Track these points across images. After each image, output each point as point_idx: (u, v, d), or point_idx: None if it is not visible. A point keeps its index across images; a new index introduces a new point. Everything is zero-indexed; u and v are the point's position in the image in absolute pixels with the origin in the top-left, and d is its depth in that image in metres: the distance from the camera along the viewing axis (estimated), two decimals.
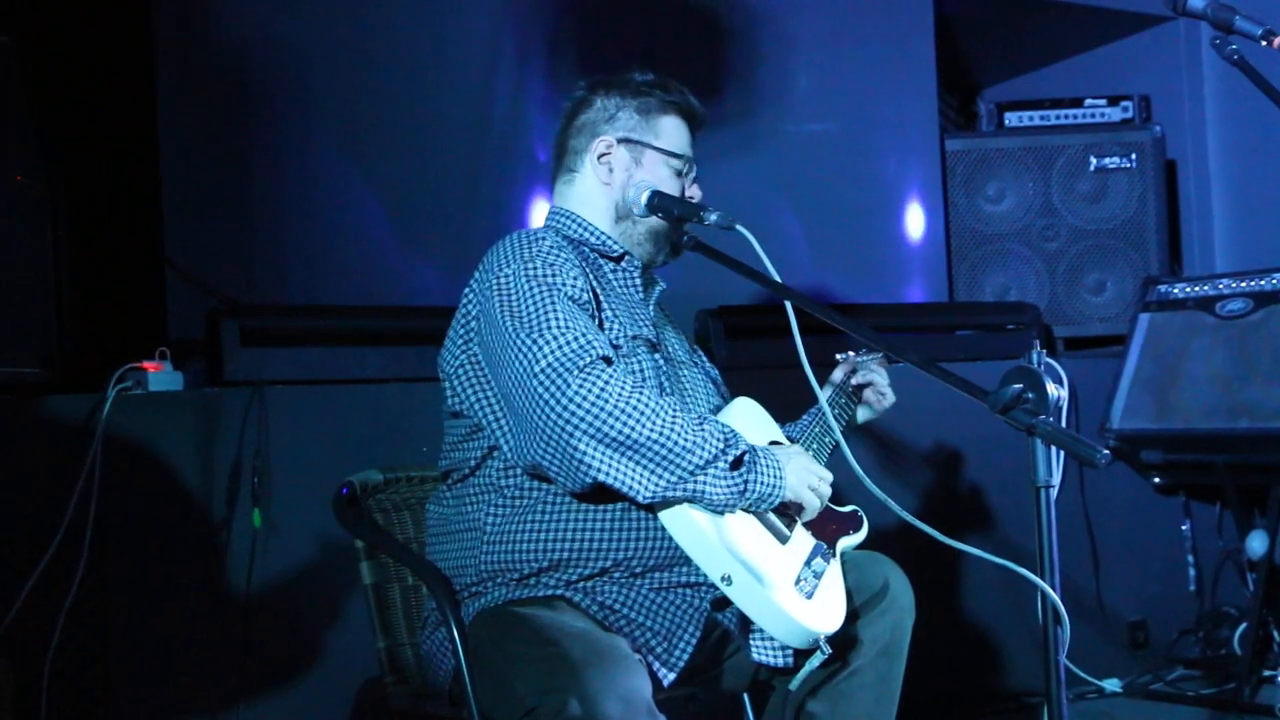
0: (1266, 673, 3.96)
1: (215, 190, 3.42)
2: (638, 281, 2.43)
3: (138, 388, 2.81)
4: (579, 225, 2.43)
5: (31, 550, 2.62)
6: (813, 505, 2.27)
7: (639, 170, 2.42)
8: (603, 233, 2.42)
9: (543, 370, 2.06)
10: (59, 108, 3.01)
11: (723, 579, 2.09)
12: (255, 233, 3.48)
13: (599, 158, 2.44)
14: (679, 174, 2.46)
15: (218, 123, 3.43)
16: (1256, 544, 3.98)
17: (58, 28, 3.23)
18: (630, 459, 2.06)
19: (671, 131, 2.47)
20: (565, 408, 2.04)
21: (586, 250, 2.39)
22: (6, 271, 2.71)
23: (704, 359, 2.62)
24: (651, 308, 2.46)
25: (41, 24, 3.17)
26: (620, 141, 2.44)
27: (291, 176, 3.53)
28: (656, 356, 2.35)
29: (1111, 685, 4.05)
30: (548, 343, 2.09)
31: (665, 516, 2.14)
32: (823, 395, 2.55)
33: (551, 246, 2.26)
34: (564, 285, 2.19)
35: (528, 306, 2.15)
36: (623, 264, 2.42)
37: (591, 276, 2.31)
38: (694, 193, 2.48)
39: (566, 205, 2.47)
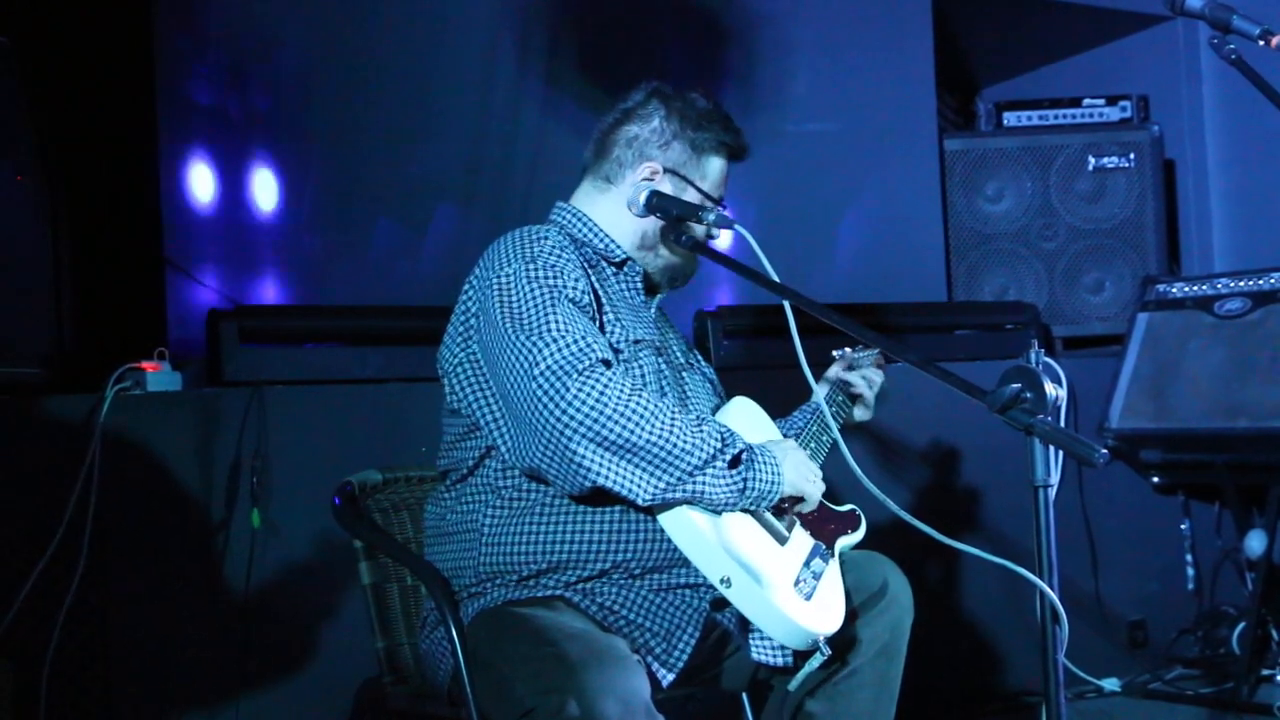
0: (1265, 672, 3.96)
1: (214, 190, 3.41)
2: (639, 285, 2.42)
3: (136, 388, 2.81)
4: (586, 227, 2.40)
5: (31, 550, 2.62)
6: (813, 496, 2.27)
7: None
8: (608, 237, 2.40)
9: (542, 373, 2.06)
10: (58, 108, 3.01)
11: (722, 581, 2.09)
12: (254, 232, 3.48)
13: (641, 182, 2.40)
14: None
15: (217, 123, 3.43)
16: (1255, 543, 3.98)
17: (57, 28, 3.23)
18: (629, 462, 2.06)
19: (716, 172, 2.44)
20: (564, 411, 2.04)
21: (589, 252, 2.38)
22: (6, 272, 2.71)
23: (701, 361, 2.61)
24: (653, 311, 2.46)
25: (41, 24, 3.17)
26: (667, 171, 2.40)
27: (290, 176, 3.53)
28: (659, 360, 2.35)
29: (1110, 684, 4.06)
30: (547, 345, 2.08)
31: (664, 518, 2.13)
32: (819, 394, 2.55)
33: (554, 246, 2.24)
34: (565, 287, 2.18)
35: (528, 308, 2.14)
36: (625, 269, 2.41)
37: (593, 278, 2.30)
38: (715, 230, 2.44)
39: (587, 210, 2.43)
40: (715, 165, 2.44)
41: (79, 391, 2.78)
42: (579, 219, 2.41)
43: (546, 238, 2.26)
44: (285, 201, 3.53)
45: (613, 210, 2.40)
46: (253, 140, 3.50)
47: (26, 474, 2.69)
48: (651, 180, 2.39)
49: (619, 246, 2.40)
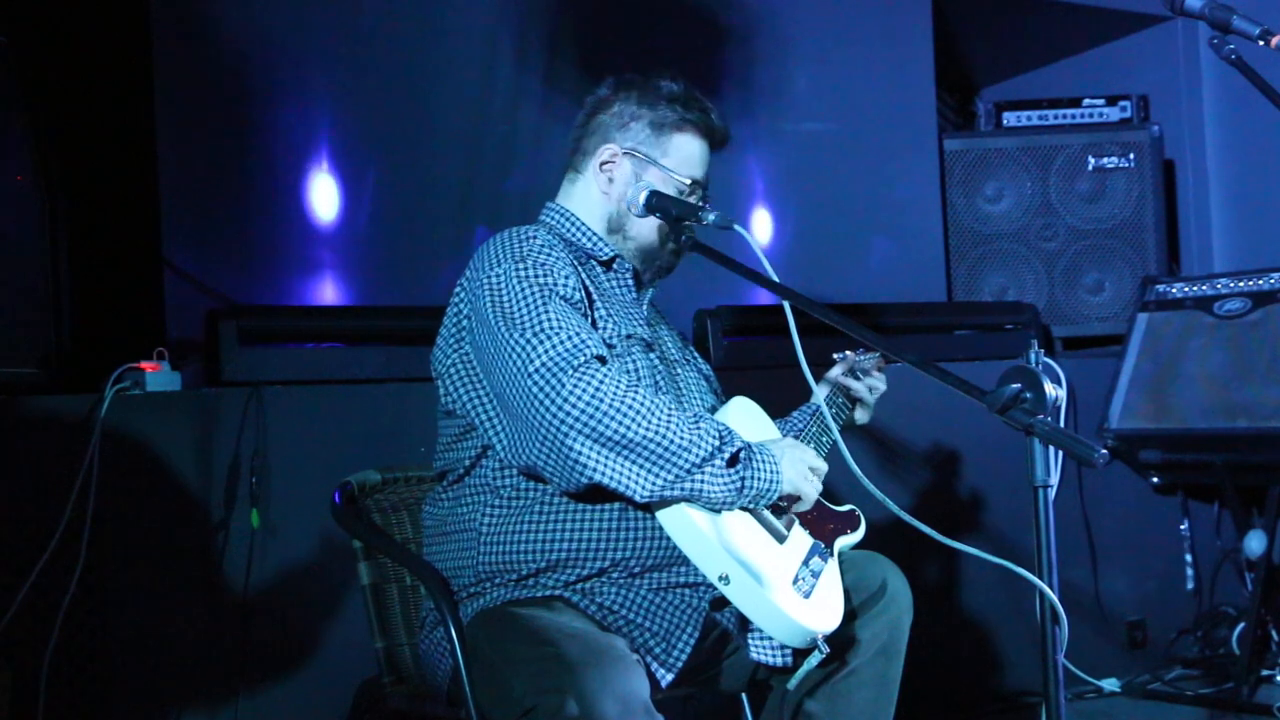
0: (1265, 672, 3.97)
1: (213, 190, 3.41)
2: (629, 282, 2.42)
3: (135, 388, 2.81)
4: (572, 225, 2.41)
5: (29, 550, 2.62)
6: (810, 496, 2.27)
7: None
8: (596, 235, 2.40)
9: (537, 370, 2.06)
10: (57, 108, 3.00)
11: (720, 578, 2.09)
12: (253, 232, 3.48)
13: (601, 165, 2.40)
14: (682, 194, 2.39)
15: (215, 122, 3.43)
16: (1254, 543, 3.98)
17: (56, 28, 3.23)
18: (626, 458, 2.06)
19: (683, 150, 2.41)
20: (560, 407, 2.04)
21: (577, 250, 2.38)
22: (4, 272, 2.71)
23: (697, 357, 2.61)
24: (645, 307, 2.45)
25: (39, 24, 3.17)
26: (626, 153, 2.39)
27: (289, 176, 3.52)
28: (652, 356, 2.34)
29: (1110, 685, 4.06)
30: (541, 343, 2.08)
31: (663, 517, 2.13)
32: (819, 394, 2.55)
33: (543, 245, 2.25)
34: (556, 285, 2.19)
35: (520, 307, 2.14)
36: (614, 267, 2.41)
37: (584, 275, 2.30)
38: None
39: (565, 204, 2.44)
40: (681, 141, 2.40)
41: (78, 391, 2.77)
42: (565, 217, 2.42)
43: (535, 236, 2.26)
44: (283, 201, 3.53)
45: (582, 198, 2.42)
46: (251, 139, 3.50)
47: (25, 474, 2.68)
48: (612, 163, 2.39)
49: (605, 244, 2.40)
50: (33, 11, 3.15)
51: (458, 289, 2.29)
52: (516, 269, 2.19)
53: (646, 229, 2.40)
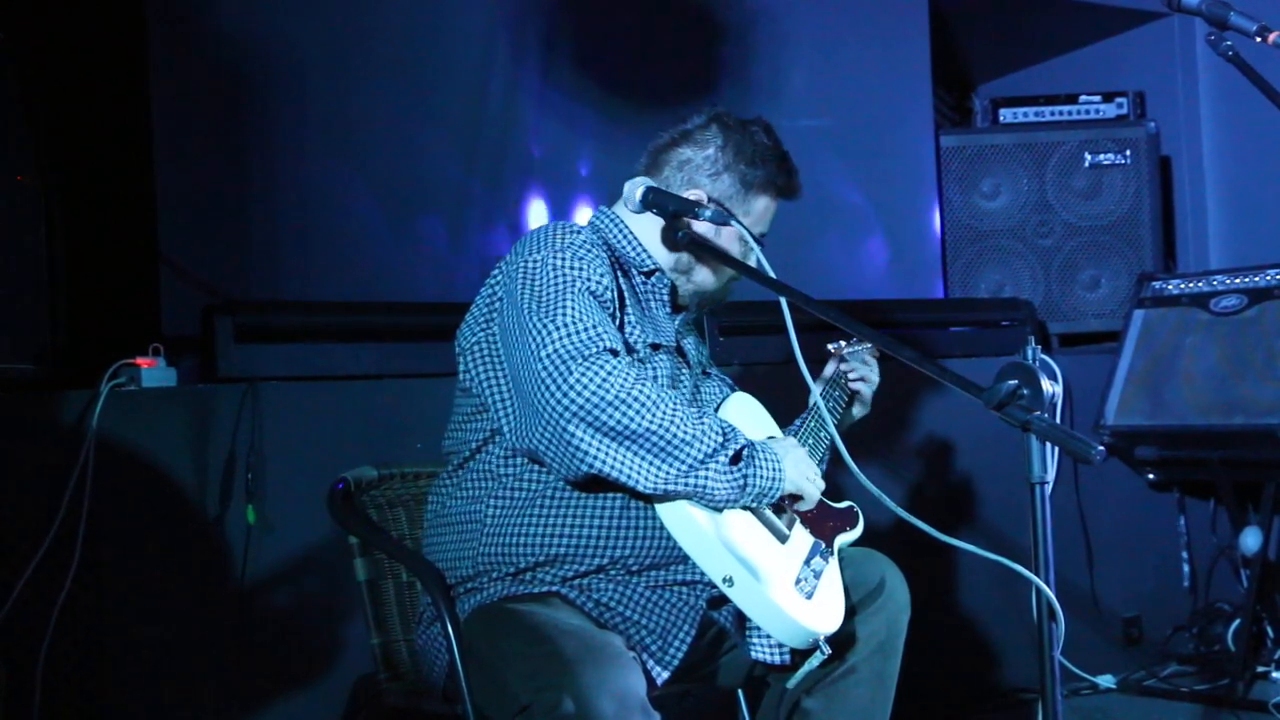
0: (1260, 668, 3.97)
1: (209, 186, 3.41)
2: (665, 297, 2.42)
3: (131, 384, 2.80)
4: (622, 235, 2.40)
5: (24, 547, 2.61)
6: (812, 495, 2.28)
7: (718, 236, 2.38)
8: (642, 248, 2.40)
9: (548, 356, 2.07)
10: (53, 104, 3.00)
11: (724, 580, 2.10)
12: (249, 229, 3.47)
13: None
14: (745, 244, 2.41)
15: (212, 119, 3.42)
16: (1250, 540, 3.99)
17: (52, 25, 3.22)
18: (628, 449, 2.07)
19: (761, 210, 2.44)
20: (565, 394, 2.05)
21: (620, 258, 2.38)
22: (1, 268, 2.70)
23: (722, 372, 2.61)
24: (677, 322, 2.45)
25: (36, 21, 3.16)
26: (711, 201, 2.39)
27: (285, 173, 3.52)
28: (677, 365, 2.35)
29: (1106, 681, 4.06)
30: (558, 329, 2.09)
31: (665, 516, 2.13)
32: (816, 390, 2.55)
33: (585, 242, 2.26)
34: (587, 280, 2.20)
35: (546, 292, 2.16)
36: (653, 279, 2.41)
37: (620, 281, 2.31)
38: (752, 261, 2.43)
39: (627, 220, 2.42)
40: (761, 204, 2.44)
41: (73, 387, 2.77)
42: (617, 227, 2.42)
43: (579, 233, 2.28)
44: (279, 197, 3.52)
45: (652, 228, 2.40)
46: (247, 136, 3.49)
47: (20, 471, 2.67)
48: None
49: (651, 257, 2.40)
50: (30, 8, 3.14)
51: (495, 271, 2.30)
52: (553, 258, 2.21)
53: (711, 276, 2.42)
